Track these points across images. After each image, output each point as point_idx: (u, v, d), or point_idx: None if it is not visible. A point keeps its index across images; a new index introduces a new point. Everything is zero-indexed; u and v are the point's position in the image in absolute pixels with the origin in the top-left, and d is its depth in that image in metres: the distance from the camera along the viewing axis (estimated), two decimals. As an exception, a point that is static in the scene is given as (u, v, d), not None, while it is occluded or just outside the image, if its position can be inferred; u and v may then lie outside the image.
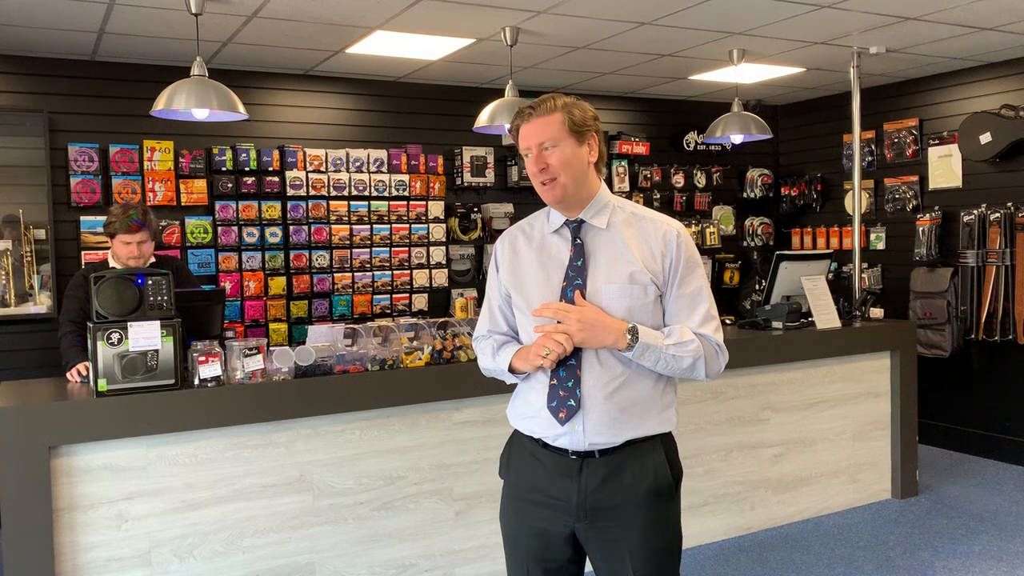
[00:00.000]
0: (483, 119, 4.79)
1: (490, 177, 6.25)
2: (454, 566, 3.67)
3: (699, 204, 7.16)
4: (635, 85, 6.41)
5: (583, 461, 2.07)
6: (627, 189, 6.74)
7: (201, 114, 3.91)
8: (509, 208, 6.32)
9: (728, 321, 4.87)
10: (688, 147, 7.10)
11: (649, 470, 2.08)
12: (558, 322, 2.03)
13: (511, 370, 2.15)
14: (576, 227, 2.13)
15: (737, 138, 5.53)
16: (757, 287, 6.04)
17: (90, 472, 3.04)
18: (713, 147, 7.16)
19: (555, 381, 2.08)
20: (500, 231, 6.21)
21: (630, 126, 6.89)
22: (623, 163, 6.73)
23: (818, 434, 4.65)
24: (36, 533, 2.92)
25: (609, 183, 6.66)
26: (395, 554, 3.55)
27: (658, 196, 6.90)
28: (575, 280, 2.08)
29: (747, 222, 7.41)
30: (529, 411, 2.14)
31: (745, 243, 7.39)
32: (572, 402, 2.05)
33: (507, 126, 4.63)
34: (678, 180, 7.01)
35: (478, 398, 3.68)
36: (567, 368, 2.06)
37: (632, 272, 2.07)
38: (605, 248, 2.10)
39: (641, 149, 6.72)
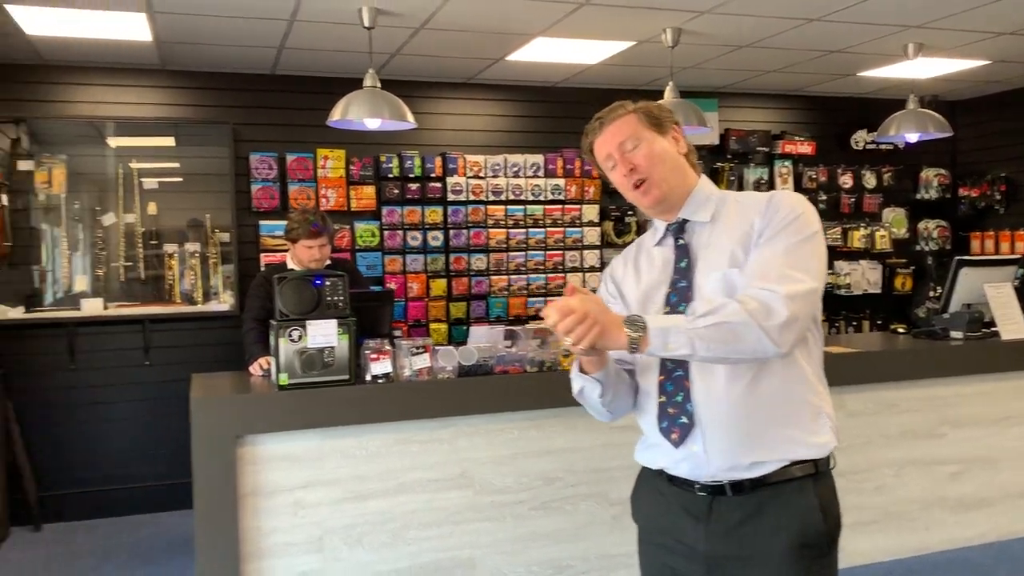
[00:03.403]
0: (642, 122, 4.75)
1: (646, 180, 6.19)
2: (609, 570, 3.66)
3: (868, 206, 6.81)
4: (799, 83, 6.19)
5: (712, 499, 1.79)
6: (791, 191, 6.50)
7: (373, 124, 4.10)
8: (665, 211, 6.24)
9: (901, 330, 4.61)
10: (856, 146, 6.77)
11: (795, 516, 1.75)
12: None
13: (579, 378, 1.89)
14: (678, 228, 1.89)
15: (912, 137, 5.22)
16: (931, 294, 5.68)
17: (271, 461, 3.24)
18: (884, 146, 6.79)
19: (663, 398, 1.83)
20: (656, 234, 6.14)
21: (794, 125, 6.65)
22: (787, 163, 6.50)
23: (1003, 453, 4.31)
24: (223, 516, 3.15)
25: (771, 184, 6.46)
26: (552, 554, 3.58)
27: (824, 198, 6.61)
28: (679, 283, 1.84)
29: (921, 225, 6.98)
30: (647, 439, 1.92)
31: (918, 247, 6.97)
32: (684, 419, 1.78)
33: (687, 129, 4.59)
34: (846, 181, 6.70)
35: (637, 403, 3.66)
36: (674, 380, 1.81)
37: (732, 252, 1.79)
38: (709, 242, 1.85)
39: (806, 149, 6.48)
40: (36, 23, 4.20)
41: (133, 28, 4.32)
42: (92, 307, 5.15)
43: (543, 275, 5.99)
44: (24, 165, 5.10)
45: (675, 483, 1.86)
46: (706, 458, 1.78)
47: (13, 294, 5.09)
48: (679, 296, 1.83)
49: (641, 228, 6.19)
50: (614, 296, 2.00)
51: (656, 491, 1.92)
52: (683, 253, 1.87)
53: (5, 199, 4.87)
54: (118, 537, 4.87)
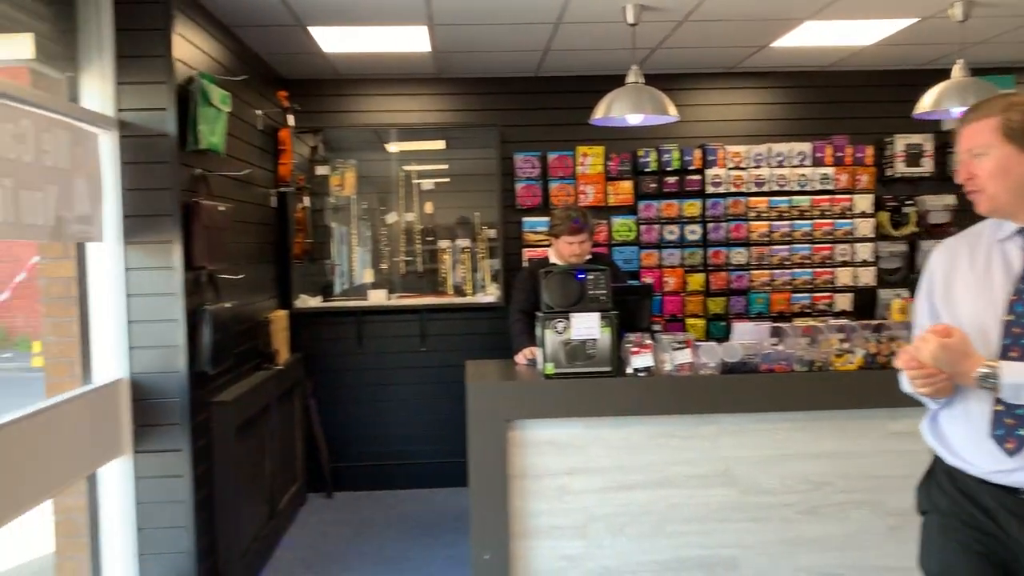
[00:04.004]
0: (926, 103, 4.38)
1: (927, 167, 5.70)
2: (885, 584, 3.44)
3: None
4: (1120, 50, 5.39)
5: None
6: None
7: (635, 120, 4.14)
8: (950, 200, 5.71)
9: None
10: None
11: None
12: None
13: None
14: None
15: None
16: None
17: (537, 446, 3.40)
18: None
19: (1000, 407, 1.80)
20: (938, 226, 5.65)
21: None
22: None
23: None
24: (495, 495, 3.35)
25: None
26: (820, 561, 3.43)
27: None
28: None
29: None
30: (960, 440, 1.90)
31: None
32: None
33: (953, 111, 4.21)
34: None
35: (919, 408, 3.40)
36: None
37: None
38: None
39: None
40: (333, 42, 4.69)
41: (415, 40, 4.69)
42: (377, 297, 5.67)
43: (809, 270, 5.71)
44: (321, 170, 5.72)
45: (988, 486, 1.84)
46: None
47: (312, 285, 5.73)
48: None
49: (922, 219, 5.71)
50: (940, 295, 1.96)
51: (959, 491, 1.90)
52: None
53: (307, 201, 5.48)
54: (399, 508, 5.33)
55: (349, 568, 4.36)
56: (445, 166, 5.91)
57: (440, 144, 5.89)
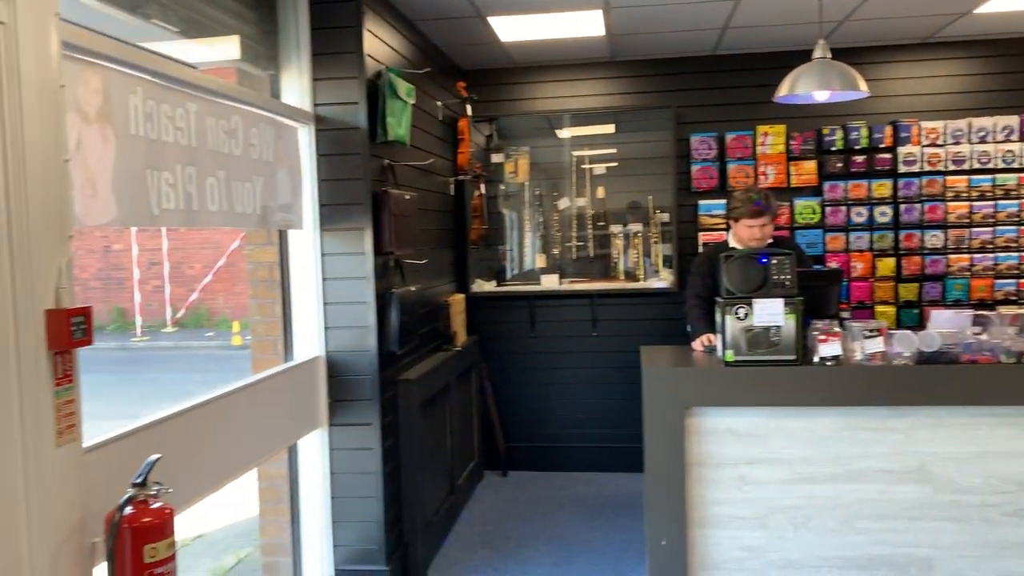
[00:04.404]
0: None
1: None
2: (1106, 599, 3.14)
3: None
4: None
5: None
6: None
7: (822, 96, 3.95)
8: None
9: None
10: None
11: None
12: None
13: None
14: None
15: None
16: None
17: (716, 434, 3.34)
18: None
19: None
20: None
21: None
22: None
23: None
24: (672, 483, 3.32)
25: None
26: (1028, 569, 3.18)
27: None
28: None
29: None
30: None
31: None
32: None
33: None
34: None
35: None
36: None
37: None
38: None
39: None
40: (510, 30, 4.77)
41: (589, 25, 4.69)
42: (549, 282, 5.75)
43: (1015, 254, 5.26)
44: (496, 158, 5.84)
45: None
46: None
47: (487, 270, 5.88)
48: None
49: None
50: None
51: None
52: None
53: (483, 188, 5.62)
54: (570, 489, 5.40)
55: (526, 546, 4.46)
56: (615, 150, 5.88)
57: (610, 128, 5.87)
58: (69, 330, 1.89)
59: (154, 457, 2.06)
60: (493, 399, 5.78)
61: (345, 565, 3.79)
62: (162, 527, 1.98)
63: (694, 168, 5.57)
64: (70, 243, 1.97)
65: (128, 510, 1.97)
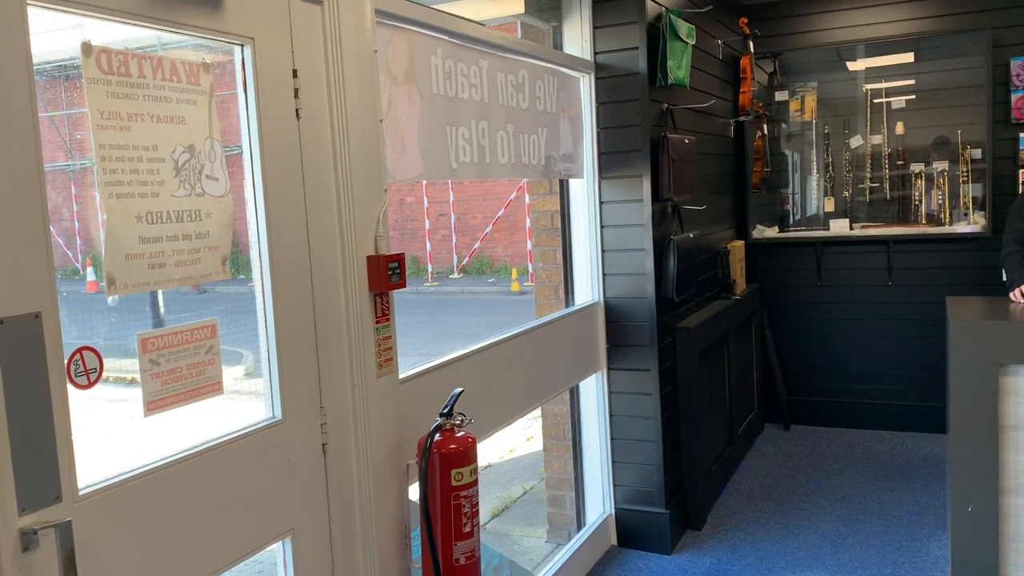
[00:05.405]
0: None
1: None
2: None
3: None
4: None
5: None
6: None
7: None
8: None
9: None
10: None
11: None
12: None
13: None
14: None
15: None
16: None
17: (1037, 395, 2.98)
18: None
19: None
20: None
21: None
22: None
23: None
24: (981, 446, 3.03)
25: None
26: None
27: None
28: None
29: None
30: None
31: None
32: None
33: None
34: None
35: None
36: None
37: None
38: None
39: None
40: (797, -41, 4.47)
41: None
42: (838, 227, 5.40)
43: None
44: (779, 96, 5.55)
45: None
46: None
47: (768, 215, 5.65)
48: None
49: None
50: None
51: None
52: None
53: (765, 128, 5.38)
54: (860, 447, 5.11)
55: (809, 501, 4.31)
56: (913, 82, 5.33)
57: (909, 57, 5.32)
58: (386, 274, 2.10)
59: (458, 390, 2.25)
60: (775, 350, 5.59)
61: (625, 504, 3.90)
62: (466, 454, 2.16)
63: (1014, 97, 4.91)
64: (385, 196, 2.18)
65: (436, 437, 2.17)
